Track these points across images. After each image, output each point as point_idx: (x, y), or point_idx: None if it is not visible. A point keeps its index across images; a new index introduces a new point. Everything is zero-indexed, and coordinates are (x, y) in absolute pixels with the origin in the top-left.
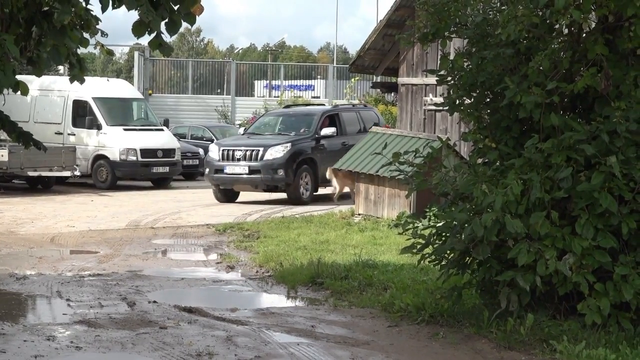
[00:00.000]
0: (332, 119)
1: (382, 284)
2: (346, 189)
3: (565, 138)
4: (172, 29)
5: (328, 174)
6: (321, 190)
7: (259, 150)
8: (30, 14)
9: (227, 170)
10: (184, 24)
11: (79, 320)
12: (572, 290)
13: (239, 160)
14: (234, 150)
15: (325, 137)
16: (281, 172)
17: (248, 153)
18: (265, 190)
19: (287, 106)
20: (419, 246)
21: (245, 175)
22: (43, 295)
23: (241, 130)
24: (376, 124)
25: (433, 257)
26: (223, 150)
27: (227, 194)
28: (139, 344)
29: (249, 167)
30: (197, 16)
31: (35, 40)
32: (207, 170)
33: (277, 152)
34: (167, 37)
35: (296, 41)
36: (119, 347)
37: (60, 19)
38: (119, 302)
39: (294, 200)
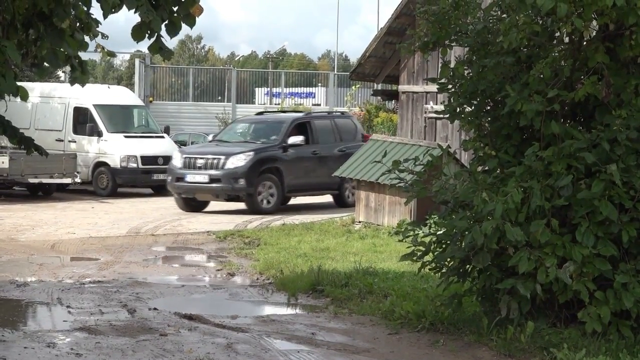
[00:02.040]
0: (303, 127)
1: (383, 292)
2: None
3: (566, 146)
4: (172, 30)
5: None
6: (292, 200)
7: (220, 158)
8: (28, 17)
9: (188, 178)
10: (185, 29)
11: (79, 327)
12: (572, 298)
13: (200, 168)
14: (196, 158)
15: (294, 145)
16: (242, 182)
17: (209, 161)
18: (226, 200)
19: (260, 113)
20: (419, 254)
21: (206, 184)
22: (43, 302)
23: (210, 137)
24: (359, 131)
25: (433, 264)
26: (185, 158)
27: (191, 204)
28: (139, 351)
29: (210, 175)
30: (196, 17)
31: (31, 43)
32: (169, 178)
33: (238, 161)
34: (167, 41)
35: (297, 49)
36: (119, 354)
37: (59, 19)
38: (119, 309)
39: (253, 210)
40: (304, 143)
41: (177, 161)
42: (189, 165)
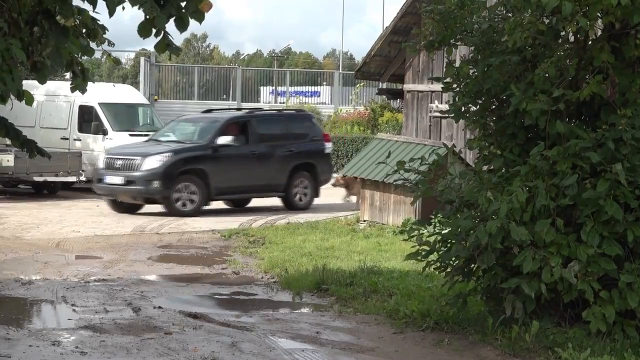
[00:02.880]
0: (243, 126)
1: (387, 291)
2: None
3: (571, 145)
4: (181, 26)
5: (338, 181)
6: (216, 205)
7: (136, 159)
8: (33, 14)
9: (107, 179)
10: (192, 27)
11: (84, 326)
12: (577, 298)
13: (117, 169)
14: (115, 159)
15: (225, 146)
16: (156, 184)
17: (127, 162)
18: (146, 202)
19: (207, 111)
20: (424, 253)
21: (122, 186)
22: (48, 300)
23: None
24: (317, 131)
25: (438, 264)
26: (107, 158)
27: (122, 205)
28: (144, 350)
29: (126, 177)
30: (206, 12)
31: (36, 41)
32: (94, 178)
33: (153, 163)
34: (174, 38)
35: (302, 47)
36: (124, 353)
37: (63, 16)
38: (124, 308)
39: (171, 213)
40: (234, 143)
41: (101, 161)
42: (109, 166)
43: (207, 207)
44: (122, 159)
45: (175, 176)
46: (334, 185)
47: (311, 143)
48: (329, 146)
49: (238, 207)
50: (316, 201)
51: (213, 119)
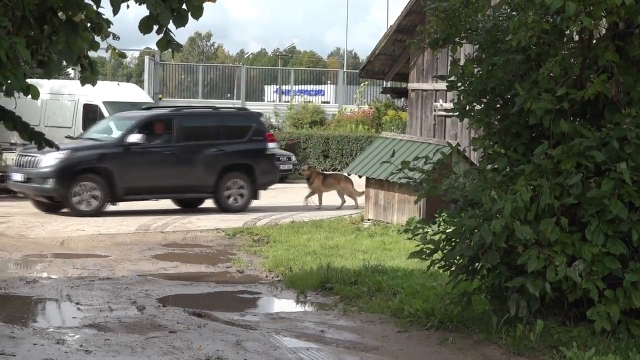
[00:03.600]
0: (166, 124)
1: (392, 290)
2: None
3: (575, 144)
4: (179, 21)
5: (306, 174)
6: (125, 205)
7: (36, 157)
8: (41, 12)
9: (14, 177)
10: (194, 26)
11: (88, 324)
12: (581, 297)
13: (22, 166)
14: (22, 156)
15: (137, 144)
16: (51, 182)
17: (29, 159)
18: (49, 200)
19: (146, 108)
20: (428, 252)
21: (24, 184)
22: (53, 298)
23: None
24: (258, 131)
25: (442, 262)
26: (18, 154)
27: (46, 203)
28: (149, 348)
29: (26, 174)
30: (214, 2)
31: (46, 38)
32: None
33: (50, 160)
34: (175, 36)
35: (306, 46)
36: (129, 351)
37: (73, 13)
38: (128, 306)
39: (73, 214)
40: (149, 141)
41: (14, 158)
42: (17, 162)
43: (112, 208)
44: (26, 155)
45: (73, 175)
46: (301, 174)
47: (249, 143)
48: (271, 146)
49: (188, 207)
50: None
51: (134, 116)
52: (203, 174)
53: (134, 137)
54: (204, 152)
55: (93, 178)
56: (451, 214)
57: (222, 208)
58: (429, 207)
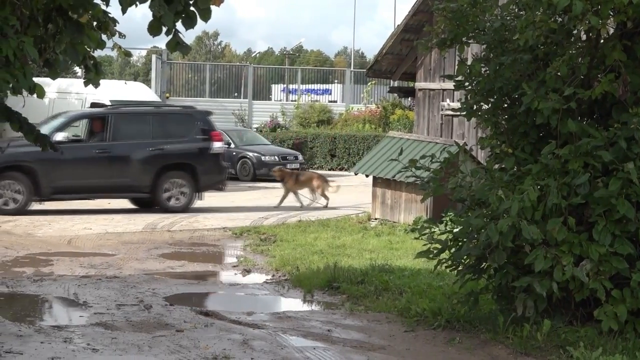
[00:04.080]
0: (101, 123)
1: (399, 289)
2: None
3: (583, 144)
4: (188, 23)
5: (277, 176)
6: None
7: None
8: (47, 12)
9: None
10: (202, 25)
11: (95, 323)
12: (588, 297)
13: None
14: None
15: (64, 142)
16: None
17: None
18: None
19: (94, 105)
20: (435, 251)
21: None
22: (60, 297)
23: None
24: (203, 130)
25: (449, 262)
26: None
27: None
28: (156, 347)
29: None
30: (218, 6)
31: (51, 36)
32: None
33: None
34: (184, 37)
35: (313, 45)
36: (136, 350)
37: (76, 12)
38: (135, 305)
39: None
40: (79, 140)
41: None
42: None
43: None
44: None
45: None
46: (272, 175)
47: (191, 142)
48: (217, 146)
49: (144, 207)
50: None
51: (72, 115)
52: (138, 174)
53: (59, 136)
54: (139, 151)
55: (16, 176)
56: (458, 213)
57: (161, 208)
58: (436, 207)
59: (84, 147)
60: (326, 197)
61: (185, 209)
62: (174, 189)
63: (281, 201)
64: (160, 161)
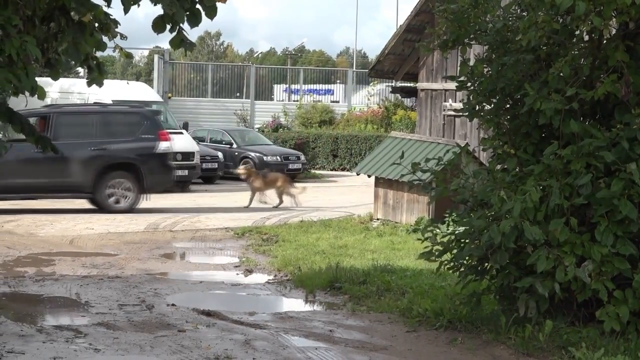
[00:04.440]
0: (43, 122)
1: (401, 289)
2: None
3: (585, 145)
4: (193, 21)
5: (242, 175)
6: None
7: None
8: (49, 11)
9: None
10: (204, 23)
11: (97, 323)
12: (591, 297)
13: None
14: None
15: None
16: None
17: None
18: None
19: (47, 106)
20: (437, 252)
21: None
22: (62, 297)
23: None
24: (149, 129)
25: (452, 263)
26: None
27: None
28: (157, 347)
29: None
30: (224, 3)
31: (52, 36)
32: None
33: None
34: (188, 34)
35: (316, 45)
36: (138, 350)
37: (77, 12)
38: (137, 305)
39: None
40: (6, 139)
41: None
42: None
43: None
44: None
45: None
46: (238, 175)
47: (136, 142)
48: (163, 146)
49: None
50: (325, 200)
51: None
52: (79, 173)
53: None
54: (80, 150)
55: None
56: (460, 214)
57: (103, 209)
58: (438, 207)
59: (25, 147)
60: (282, 199)
61: (129, 210)
62: (117, 189)
63: (250, 201)
64: (101, 161)
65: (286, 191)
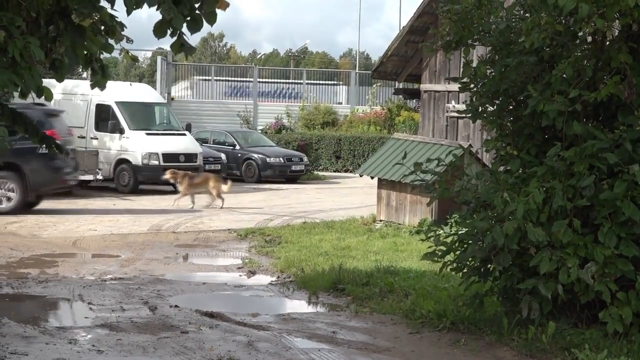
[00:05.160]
0: None
1: (404, 291)
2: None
3: (588, 146)
4: (194, 27)
5: (169, 179)
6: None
7: None
8: (50, 14)
9: None
10: (206, 26)
11: (100, 324)
12: (594, 299)
13: None
14: None
15: None
16: None
17: None
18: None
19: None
20: (440, 253)
21: None
22: (65, 298)
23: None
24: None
25: (455, 264)
26: None
27: None
28: (161, 348)
29: None
30: (224, 10)
31: (52, 39)
32: None
33: None
34: (189, 39)
35: (319, 47)
36: (141, 351)
37: (78, 16)
38: (140, 306)
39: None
40: None
41: None
42: None
43: None
44: None
45: None
46: (166, 180)
47: (19, 142)
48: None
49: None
50: (328, 201)
51: None
52: None
53: None
54: None
55: None
56: (463, 215)
57: None
58: (441, 209)
59: None
60: (222, 198)
61: (14, 210)
62: (1, 189)
63: (176, 202)
64: None
65: (216, 192)
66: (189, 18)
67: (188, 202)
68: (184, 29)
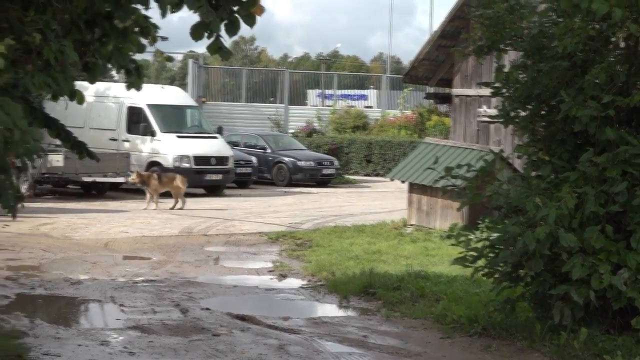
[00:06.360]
0: None
1: (435, 296)
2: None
3: (621, 152)
4: (232, 30)
5: (136, 181)
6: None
7: None
8: (92, 16)
9: None
10: (242, 30)
11: (132, 326)
12: (626, 305)
13: None
14: None
15: None
16: None
17: None
18: None
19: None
20: (471, 258)
21: None
22: (97, 300)
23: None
24: None
25: (486, 269)
26: None
27: None
28: (192, 351)
29: None
30: (259, 15)
31: (97, 41)
32: None
33: None
34: (225, 41)
35: (350, 51)
36: (172, 353)
37: (122, 19)
38: (171, 309)
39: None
40: None
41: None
42: None
43: None
44: None
45: None
46: (132, 183)
47: None
48: None
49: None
50: (359, 205)
51: None
52: None
53: None
54: None
55: None
56: (495, 220)
57: None
58: (472, 214)
59: None
60: (183, 199)
61: None
62: None
63: (148, 203)
64: None
65: (178, 192)
66: (226, 21)
67: (169, 201)
68: (222, 32)
